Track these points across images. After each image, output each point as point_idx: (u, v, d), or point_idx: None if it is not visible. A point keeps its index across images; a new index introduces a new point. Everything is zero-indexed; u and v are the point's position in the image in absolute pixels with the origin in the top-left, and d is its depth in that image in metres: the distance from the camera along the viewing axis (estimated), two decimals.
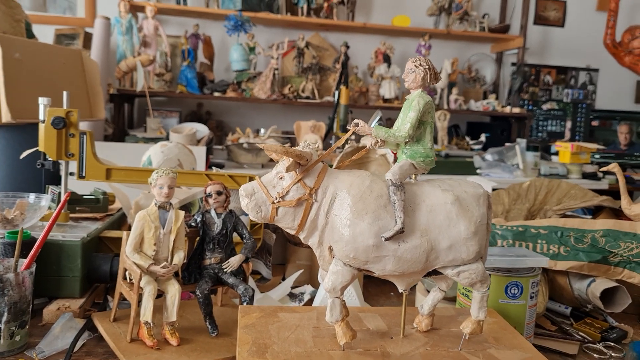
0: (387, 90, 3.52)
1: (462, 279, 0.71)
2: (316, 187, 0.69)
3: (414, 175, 0.75)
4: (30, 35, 2.25)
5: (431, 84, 0.72)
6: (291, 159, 0.68)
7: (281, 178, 0.70)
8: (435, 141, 3.41)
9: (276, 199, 0.69)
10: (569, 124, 3.96)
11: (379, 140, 0.72)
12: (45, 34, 3.09)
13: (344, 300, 0.72)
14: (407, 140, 0.71)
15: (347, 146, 1.13)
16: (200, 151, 2.19)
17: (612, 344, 0.98)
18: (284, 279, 1.25)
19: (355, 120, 0.72)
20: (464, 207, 0.70)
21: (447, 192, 0.71)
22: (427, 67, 0.71)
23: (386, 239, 0.67)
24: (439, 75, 0.72)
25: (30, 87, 1.64)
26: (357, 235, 0.67)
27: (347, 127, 0.73)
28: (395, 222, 0.67)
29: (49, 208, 1.13)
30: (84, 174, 1.12)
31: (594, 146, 2.84)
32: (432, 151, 0.72)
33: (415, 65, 0.71)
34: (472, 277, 0.71)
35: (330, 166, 0.79)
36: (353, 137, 0.89)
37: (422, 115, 0.70)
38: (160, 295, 0.89)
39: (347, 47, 3.44)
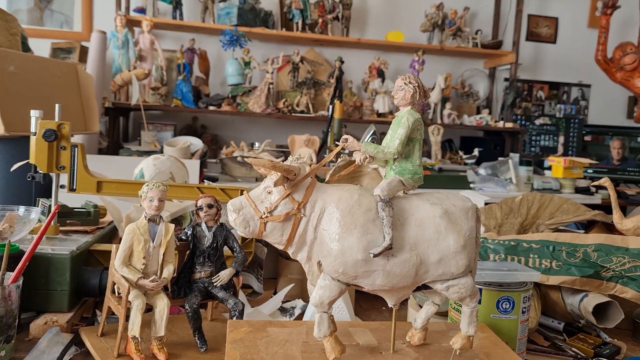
0: (381, 104, 3.54)
1: (451, 293, 0.71)
2: (304, 202, 0.69)
3: (402, 192, 0.75)
4: (26, 48, 2.25)
5: (420, 101, 0.72)
6: (279, 174, 0.68)
7: (269, 193, 0.70)
8: (428, 155, 3.43)
9: (264, 214, 0.69)
10: (561, 139, 3.98)
11: (367, 156, 0.72)
12: (41, 48, 3.10)
13: (332, 315, 0.71)
14: (396, 156, 0.71)
15: (339, 160, 1.13)
16: (194, 164, 2.19)
17: (605, 359, 0.98)
18: (275, 293, 1.24)
19: (345, 136, 0.72)
20: (452, 220, 0.70)
21: (436, 205, 0.71)
22: (416, 84, 0.71)
23: (374, 256, 0.66)
24: (428, 92, 0.73)
25: (25, 100, 1.64)
26: (345, 250, 0.67)
27: (336, 142, 0.74)
28: (384, 238, 0.67)
29: (39, 221, 1.12)
30: (74, 187, 1.11)
31: (586, 161, 2.85)
32: (421, 168, 0.73)
33: (405, 83, 0.72)
34: (461, 291, 0.71)
35: (323, 180, 0.78)
36: (346, 150, 0.89)
37: (411, 132, 0.71)
38: (149, 309, 0.88)
39: (342, 62, 3.46)
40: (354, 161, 0.77)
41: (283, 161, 0.71)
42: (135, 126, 3.49)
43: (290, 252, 0.71)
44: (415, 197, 0.73)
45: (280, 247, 0.71)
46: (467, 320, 0.73)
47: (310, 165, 0.74)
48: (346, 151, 0.89)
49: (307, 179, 0.71)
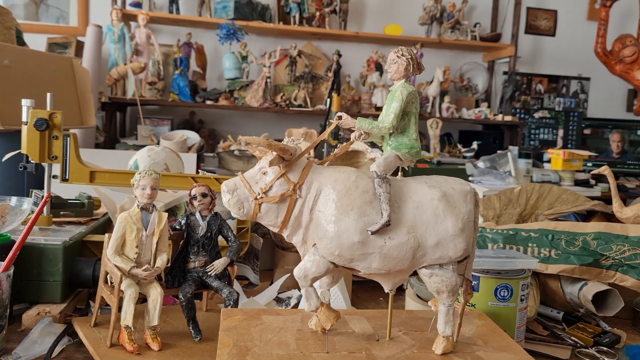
0: (380, 98, 3.52)
1: (432, 282, 0.69)
2: (300, 183, 0.68)
3: (400, 172, 0.74)
4: (21, 42, 2.24)
5: (414, 74, 0.71)
6: (275, 153, 0.66)
7: (264, 174, 0.68)
8: (427, 149, 3.41)
9: (259, 194, 0.68)
10: (561, 132, 3.97)
11: (362, 132, 0.70)
12: (37, 43, 3.08)
13: (328, 303, 0.70)
14: (392, 131, 0.70)
15: (337, 149, 1.12)
16: (190, 158, 2.17)
17: (605, 348, 0.97)
18: (271, 284, 1.23)
19: (339, 113, 0.70)
20: (451, 203, 0.69)
21: (434, 188, 0.69)
22: (409, 57, 0.70)
23: (372, 233, 0.65)
24: (422, 65, 0.71)
25: (20, 94, 1.61)
26: (342, 232, 0.65)
27: (330, 120, 0.72)
28: (382, 215, 0.65)
29: (32, 212, 1.11)
30: (67, 177, 1.10)
31: (585, 153, 2.83)
32: (418, 142, 0.71)
33: (397, 56, 0.70)
34: (442, 283, 0.68)
35: None
36: (344, 142, 0.88)
37: (405, 105, 0.69)
38: (144, 300, 0.87)
39: (340, 55, 3.45)
40: (351, 142, 0.75)
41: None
42: (132, 121, 3.47)
43: (285, 234, 0.70)
44: (413, 180, 0.72)
45: (275, 230, 0.69)
46: (444, 319, 0.71)
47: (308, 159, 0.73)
48: (344, 144, 0.87)
49: (303, 160, 0.69)
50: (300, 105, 3.41)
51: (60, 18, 3.45)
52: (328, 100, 3.02)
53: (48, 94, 1.10)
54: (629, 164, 3.59)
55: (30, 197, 1.19)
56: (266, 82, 3.30)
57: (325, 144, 2.94)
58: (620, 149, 3.69)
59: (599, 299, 1.06)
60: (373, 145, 0.80)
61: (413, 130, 0.70)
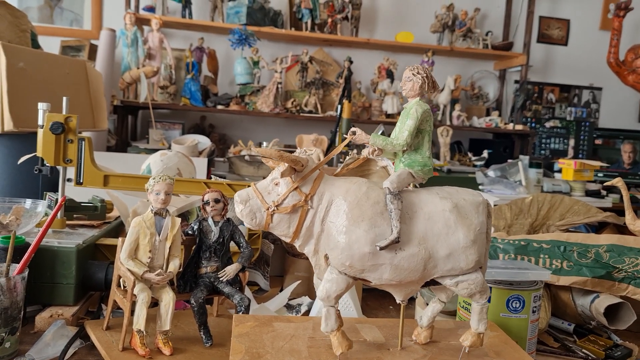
0: (390, 105, 3.52)
1: (460, 289, 0.69)
2: (312, 194, 0.68)
3: (411, 185, 0.74)
4: (35, 45, 2.26)
5: (429, 93, 0.71)
6: (287, 164, 0.67)
7: (276, 184, 0.69)
8: (437, 157, 3.40)
9: (271, 206, 0.68)
10: (572, 142, 3.94)
11: (376, 148, 0.71)
12: (51, 46, 3.12)
13: (338, 310, 0.70)
14: (405, 148, 0.70)
15: (348, 157, 1.12)
16: (201, 163, 2.18)
17: None
18: (282, 291, 1.23)
19: (353, 129, 0.71)
20: (462, 214, 0.69)
21: (446, 199, 0.69)
22: (424, 75, 0.70)
23: (381, 248, 0.65)
24: (437, 84, 0.71)
25: (34, 97, 1.64)
26: (353, 243, 0.66)
27: (345, 135, 0.73)
28: (392, 230, 0.66)
29: (46, 214, 1.12)
30: (81, 180, 1.11)
31: (597, 163, 2.82)
32: (431, 160, 0.71)
33: (413, 74, 0.70)
34: (471, 287, 0.69)
35: None
36: (355, 149, 0.88)
37: (420, 123, 0.69)
38: (156, 304, 0.87)
39: (351, 62, 3.46)
40: (364, 157, 0.76)
41: None
42: (143, 124, 3.50)
43: (297, 245, 0.70)
44: (425, 191, 0.72)
45: (287, 240, 0.70)
46: (477, 317, 0.72)
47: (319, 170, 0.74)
48: (354, 150, 0.87)
49: (315, 172, 0.70)
50: (310, 112, 3.42)
51: (74, 21, 3.49)
52: (339, 106, 3.02)
53: (64, 98, 1.12)
54: None
55: (45, 199, 1.21)
56: (277, 88, 3.31)
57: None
58: (632, 159, 3.66)
59: (611, 311, 1.05)
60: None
61: (426, 148, 0.71)
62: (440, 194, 0.71)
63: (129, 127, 3.32)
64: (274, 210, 0.68)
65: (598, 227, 1.65)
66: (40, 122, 1.09)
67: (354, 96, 3.62)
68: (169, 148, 2.73)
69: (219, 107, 3.30)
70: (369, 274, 0.67)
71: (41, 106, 1.09)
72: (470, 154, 3.58)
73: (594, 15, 4.28)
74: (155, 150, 2.69)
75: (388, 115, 3.55)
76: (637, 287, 1.03)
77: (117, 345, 0.85)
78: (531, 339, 0.90)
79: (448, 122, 3.64)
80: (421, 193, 0.72)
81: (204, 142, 2.86)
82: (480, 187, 2.78)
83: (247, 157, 2.63)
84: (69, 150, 1.10)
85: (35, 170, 1.10)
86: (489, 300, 0.88)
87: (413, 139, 0.70)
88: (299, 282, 1.18)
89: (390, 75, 3.59)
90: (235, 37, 3.23)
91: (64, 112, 1.11)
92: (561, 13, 4.24)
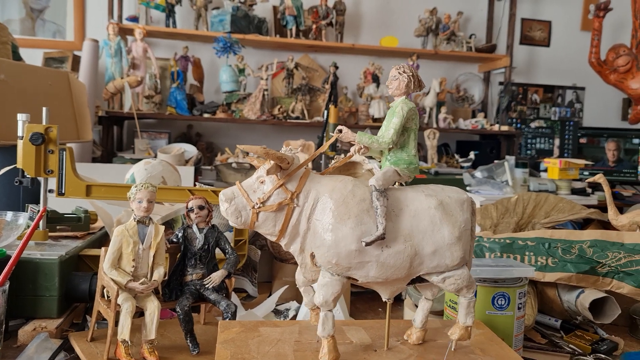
0: (377, 109, 3.54)
1: (447, 285, 0.69)
2: (298, 192, 0.68)
3: (397, 183, 0.74)
4: (17, 57, 2.24)
5: (415, 91, 0.72)
6: (272, 162, 0.67)
7: (262, 182, 0.69)
8: (424, 159, 3.42)
9: (257, 204, 0.68)
10: (557, 142, 3.98)
11: (362, 146, 0.71)
12: (34, 58, 3.10)
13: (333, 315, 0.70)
14: (391, 146, 0.70)
15: (334, 161, 1.13)
16: (188, 171, 2.17)
17: (603, 356, 0.96)
18: (270, 297, 1.22)
19: (339, 127, 0.71)
20: (447, 212, 0.69)
21: (431, 197, 0.70)
22: (410, 74, 0.70)
23: (367, 244, 0.65)
24: (423, 83, 0.72)
25: (15, 109, 1.62)
26: (339, 240, 0.65)
27: (331, 133, 0.73)
28: (377, 227, 0.66)
29: (28, 226, 1.10)
30: (63, 191, 1.10)
31: (582, 162, 2.84)
32: (416, 158, 0.72)
33: (399, 73, 0.71)
34: (457, 282, 0.69)
35: None
36: (342, 155, 0.88)
37: (406, 121, 0.70)
38: (142, 314, 0.86)
39: (336, 67, 3.47)
40: (350, 155, 0.76)
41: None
42: (129, 135, 3.48)
43: (283, 243, 0.70)
44: (410, 188, 0.72)
45: (273, 239, 0.70)
46: (465, 311, 0.72)
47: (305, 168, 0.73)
48: (341, 155, 0.88)
49: (301, 170, 0.70)
50: (297, 118, 3.42)
51: (56, 33, 3.47)
52: (325, 112, 3.03)
53: (44, 108, 1.11)
54: (625, 172, 3.60)
55: (26, 211, 1.19)
56: (263, 95, 3.31)
57: (322, 156, 2.94)
58: (616, 157, 3.70)
59: (596, 306, 1.06)
60: (370, 159, 0.81)
61: (412, 147, 0.71)
62: (426, 191, 0.72)
63: (114, 137, 3.30)
64: (259, 208, 0.68)
65: (583, 224, 1.67)
66: (19, 133, 1.08)
67: (341, 101, 3.63)
68: (155, 157, 2.72)
69: (206, 115, 3.29)
70: (355, 271, 0.67)
71: (20, 117, 1.08)
72: (457, 156, 3.60)
73: (575, 17, 4.34)
74: (141, 160, 2.68)
75: (375, 120, 3.57)
76: (621, 281, 1.04)
77: (102, 357, 0.84)
78: (517, 336, 0.91)
79: (435, 125, 3.66)
80: (407, 191, 0.72)
81: (191, 150, 2.85)
82: (467, 188, 2.80)
83: (234, 165, 2.63)
84: (49, 161, 1.09)
85: (16, 182, 1.09)
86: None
87: (399, 137, 0.70)
88: (286, 287, 1.18)
89: (376, 79, 3.61)
90: (220, 45, 3.23)
91: (44, 123, 1.10)
92: (543, 15, 4.29)
